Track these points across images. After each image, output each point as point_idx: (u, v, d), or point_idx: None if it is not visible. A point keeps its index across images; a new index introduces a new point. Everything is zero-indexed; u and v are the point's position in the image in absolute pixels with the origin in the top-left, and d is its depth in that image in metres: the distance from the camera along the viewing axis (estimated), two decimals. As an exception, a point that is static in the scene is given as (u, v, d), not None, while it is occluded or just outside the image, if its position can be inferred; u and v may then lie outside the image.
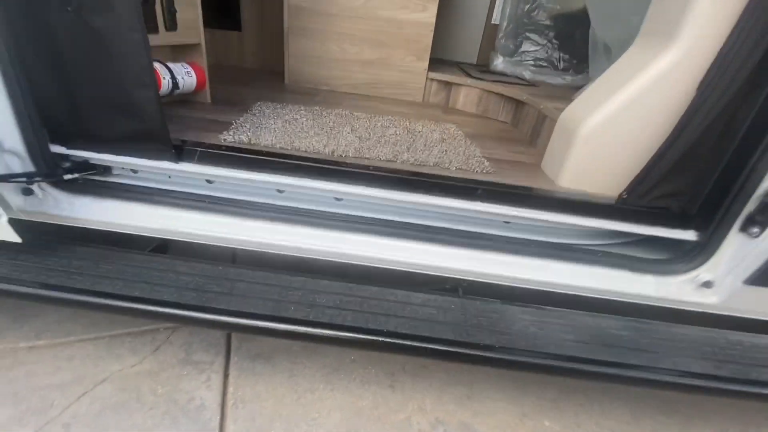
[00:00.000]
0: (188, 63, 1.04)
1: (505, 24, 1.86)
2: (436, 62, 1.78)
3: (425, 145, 0.98)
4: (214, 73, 1.17)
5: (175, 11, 0.92)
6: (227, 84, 1.43)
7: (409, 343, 0.64)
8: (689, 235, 0.75)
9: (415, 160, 0.86)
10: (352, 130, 1.02)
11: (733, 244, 0.70)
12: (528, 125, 1.24)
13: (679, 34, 0.67)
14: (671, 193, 0.76)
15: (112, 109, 0.71)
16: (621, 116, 0.74)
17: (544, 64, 1.80)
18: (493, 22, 2.31)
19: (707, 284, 0.74)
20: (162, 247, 0.81)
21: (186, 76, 1.00)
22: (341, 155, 0.85)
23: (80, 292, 0.66)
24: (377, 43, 1.53)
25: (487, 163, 0.90)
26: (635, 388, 0.90)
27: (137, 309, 0.66)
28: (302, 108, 1.19)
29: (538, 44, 1.82)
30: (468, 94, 1.57)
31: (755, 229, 0.67)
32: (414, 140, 1.01)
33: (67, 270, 0.70)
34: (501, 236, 0.78)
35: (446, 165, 0.86)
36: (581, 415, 0.92)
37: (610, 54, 1.23)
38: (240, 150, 0.78)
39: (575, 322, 0.71)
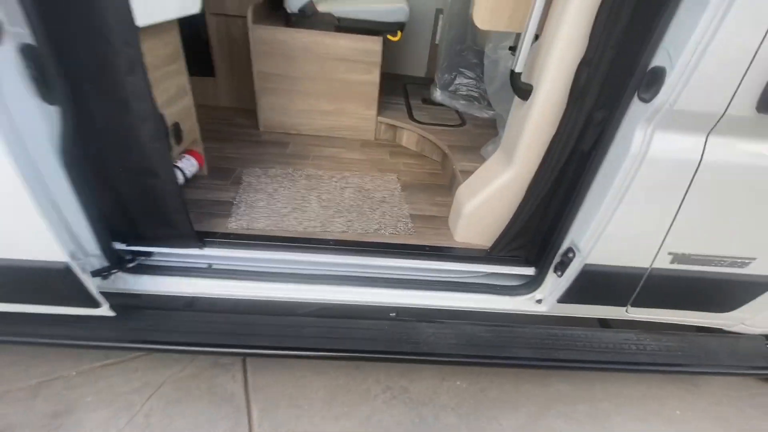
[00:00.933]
0: (189, 154, 1.39)
1: (442, 59, 2.21)
2: (389, 77, 2.12)
3: (371, 208, 1.41)
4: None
5: (181, 129, 1.27)
6: (214, 140, 1.76)
7: (358, 354, 1.11)
8: (530, 271, 1.24)
9: (363, 229, 1.29)
10: (317, 198, 1.43)
11: (550, 280, 1.19)
12: (449, 174, 1.67)
13: (514, 160, 1.11)
14: (518, 246, 1.23)
15: (150, 216, 1.09)
16: (485, 204, 1.19)
17: (474, 97, 2.19)
18: (437, 42, 2.65)
19: (539, 301, 1.23)
20: (190, 304, 1.22)
21: (191, 167, 1.36)
22: (312, 230, 1.27)
23: (149, 342, 1.08)
24: (334, 97, 1.87)
25: (410, 225, 1.34)
26: (496, 368, 1.43)
27: (181, 350, 1.09)
28: (279, 174, 1.57)
29: (469, 79, 2.20)
30: (409, 135, 1.97)
31: (559, 272, 1.15)
32: (363, 203, 1.44)
33: (137, 328, 1.11)
34: (417, 279, 1.24)
35: (383, 231, 1.30)
36: (480, 375, 1.45)
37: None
38: (242, 237, 1.19)
39: (460, 330, 1.20)
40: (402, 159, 1.87)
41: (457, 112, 2.16)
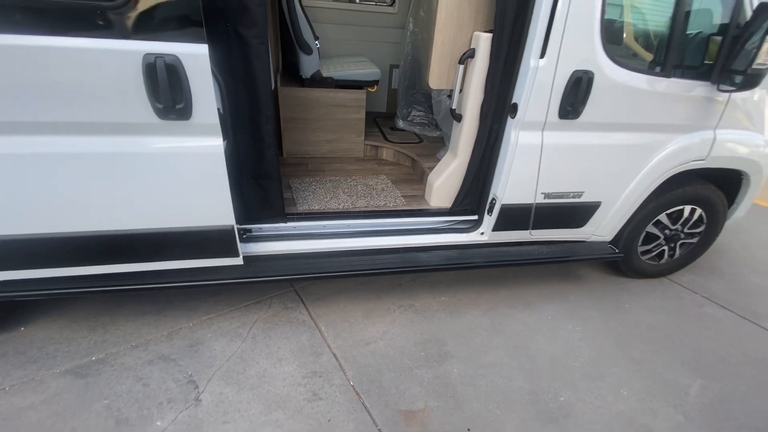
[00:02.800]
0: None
1: (400, 99, 3.18)
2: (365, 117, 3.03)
3: (377, 194, 2.27)
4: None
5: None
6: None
7: (384, 271, 1.93)
8: (475, 217, 2.15)
9: (376, 205, 2.14)
10: (342, 191, 2.26)
11: (486, 219, 2.10)
12: (419, 172, 2.59)
13: (457, 154, 2.05)
14: (467, 203, 2.14)
15: (260, 204, 1.85)
16: (446, 181, 2.11)
17: (425, 124, 3.17)
18: (393, 86, 3.66)
19: (482, 233, 2.14)
20: (284, 257, 1.97)
21: (262, 178, 2.13)
22: (348, 207, 2.10)
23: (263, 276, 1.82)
24: (334, 130, 2.75)
25: (403, 201, 2.22)
26: (465, 277, 2.32)
27: (278, 279, 1.85)
28: (312, 181, 2.38)
29: (420, 112, 3.19)
30: (387, 151, 2.88)
31: (490, 214, 2.07)
32: (371, 192, 2.29)
33: (257, 269, 1.85)
34: (411, 229, 2.09)
35: (388, 205, 2.16)
36: (456, 291, 2.32)
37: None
38: (307, 213, 1.99)
39: (441, 254, 2.06)
40: (385, 167, 2.76)
41: (415, 134, 3.13)
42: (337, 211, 2.07)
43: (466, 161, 2.05)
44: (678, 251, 2.51)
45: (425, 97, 3.17)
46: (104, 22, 1.22)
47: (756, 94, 2.06)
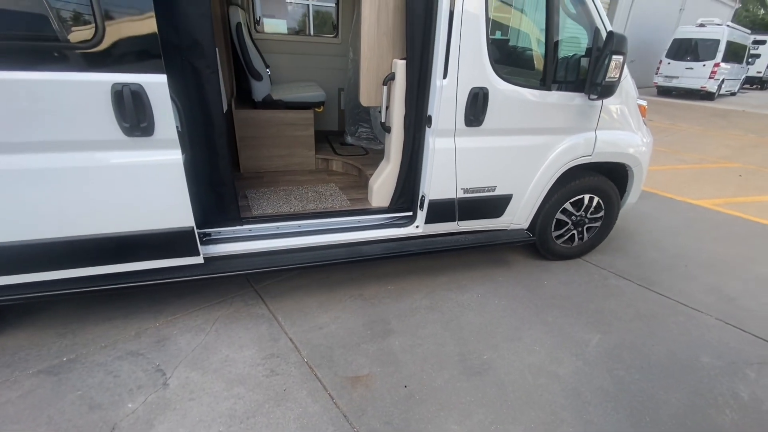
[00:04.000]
0: (217, 183, 2.44)
1: (347, 118, 3.57)
2: (317, 133, 3.35)
3: (326, 199, 2.58)
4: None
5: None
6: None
7: (333, 262, 2.23)
8: (410, 213, 2.51)
9: (324, 207, 2.46)
10: (294, 198, 2.56)
11: (419, 214, 2.46)
12: (364, 179, 2.94)
13: (390, 160, 2.41)
14: (402, 201, 2.50)
15: (216, 209, 2.12)
16: (383, 183, 2.46)
17: (370, 138, 3.55)
18: (341, 108, 4.05)
19: (417, 227, 2.49)
20: (239, 255, 2.23)
21: (220, 189, 2.40)
22: (299, 210, 2.39)
23: (221, 272, 2.07)
24: (286, 146, 3.07)
25: (348, 203, 2.55)
26: (402, 257, 2.66)
27: (237, 274, 2.10)
28: (267, 191, 2.67)
29: (365, 128, 3.58)
30: (336, 163, 3.22)
31: (421, 209, 2.43)
32: (320, 197, 2.61)
33: (215, 266, 2.09)
34: (355, 226, 2.41)
35: (335, 207, 2.48)
36: (402, 281, 2.64)
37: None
38: (262, 216, 2.27)
39: (382, 246, 2.39)
40: (335, 176, 3.10)
41: (362, 147, 3.50)
42: (289, 213, 2.37)
43: (398, 165, 2.41)
44: (586, 235, 2.98)
45: (369, 115, 3.57)
46: (78, 58, 1.50)
47: (629, 100, 2.59)
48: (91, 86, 1.52)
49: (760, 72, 19.13)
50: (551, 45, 2.21)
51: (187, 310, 2.31)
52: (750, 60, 16.58)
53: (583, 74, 2.36)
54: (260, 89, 2.85)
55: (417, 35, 2.05)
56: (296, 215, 2.35)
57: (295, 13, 4.07)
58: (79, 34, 1.47)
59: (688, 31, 14.01)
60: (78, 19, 1.46)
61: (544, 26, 2.20)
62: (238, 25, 2.59)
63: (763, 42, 18.39)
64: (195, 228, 1.92)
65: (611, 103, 2.52)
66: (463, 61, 2.05)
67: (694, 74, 13.77)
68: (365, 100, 2.32)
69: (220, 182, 2.06)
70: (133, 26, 1.51)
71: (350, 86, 3.43)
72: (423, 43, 2.07)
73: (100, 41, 1.49)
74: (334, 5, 3.80)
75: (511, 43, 2.30)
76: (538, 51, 2.31)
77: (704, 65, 13.56)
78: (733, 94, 16.24)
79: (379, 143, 3.49)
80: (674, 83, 14.26)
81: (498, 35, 2.18)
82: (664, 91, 14.87)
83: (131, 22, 1.51)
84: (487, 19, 2.02)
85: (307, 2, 4.10)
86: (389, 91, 2.28)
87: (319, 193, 2.69)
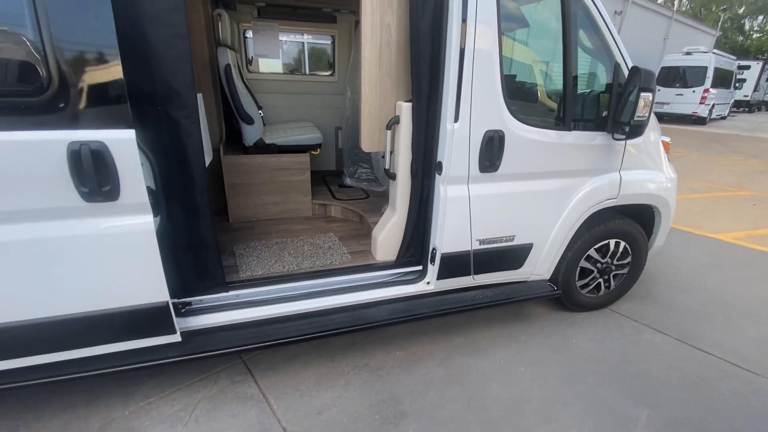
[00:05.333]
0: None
1: (346, 158, 3.35)
2: (313, 173, 3.08)
3: (324, 253, 2.30)
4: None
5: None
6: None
7: (334, 332, 1.92)
8: (419, 267, 2.22)
9: (322, 264, 2.17)
10: (288, 253, 2.28)
11: (430, 269, 2.18)
12: (366, 227, 2.67)
13: (396, 209, 2.16)
14: (411, 255, 2.22)
15: (198, 274, 1.83)
16: (388, 235, 2.19)
17: (371, 179, 3.32)
18: (339, 147, 3.84)
19: (428, 283, 2.20)
20: (224, 328, 1.91)
21: (204, 248, 2.11)
22: (293, 269, 2.10)
23: (202, 352, 1.75)
24: (281, 192, 2.81)
25: (349, 257, 2.26)
26: (413, 322, 2.33)
27: (220, 353, 1.78)
28: (258, 246, 2.39)
29: (365, 169, 3.35)
30: (335, 209, 2.96)
31: (432, 263, 2.15)
32: (317, 251, 2.33)
33: (195, 345, 1.77)
34: (358, 285, 2.12)
35: (334, 263, 2.20)
36: (410, 344, 2.31)
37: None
38: (251, 279, 1.97)
39: (389, 308, 2.09)
40: (334, 224, 2.83)
41: (363, 189, 3.26)
42: (281, 274, 2.08)
43: (405, 215, 2.16)
44: (613, 282, 2.69)
45: (368, 156, 3.36)
46: (26, 113, 1.25)
47: (651, 137, 2.38)
48: (42, 147, 1.27)
49: (747, 96, 19.56)
50: (569, 81, 2.01)
51: (163, 392, 1.96)
52: (737, 85, 16.98)
53: (604, 112, 2.16)
54: (251, 133, 2.63)
55: (423, 75, 1.85)
56: (290, 276, 2.06)
57: (289, 52, 3.95)
58: (27, 83, 1.24)
59: (676, 59, 14.35)
60: (24, 66, 1.22)
61: (561, 62, 2.01)
62: (227, 67, 2.41)
63: (747, 67, 18.92)
64: (170, 302, 1.62)
65: (635, 141, 2.30)
66: (477, 103, 1.84)
67: (684, 100, 13.99)
68: (367, 145, 2.09)
69: (202, 245, 1.78)
70: (93, 73, 1.28)
71: (348, 126, 3.24)
72: (430, 84, 1.87)
73: (54, 92, 1.25)
74: (329, 43, 3.67)
75: (525, 81, 2.11)
76: (555, 88, 2.12)
77: (694, 91, 13.80)
78: (723, 117, 16.48)
79: (380, 185, 3.25)
80: (665, 109, 14.45)
81: (511, 73, 1.98)
82: (656, 117, 15.02)
83: (91, 67, 1.27)
84: (501, 56, 1.83)
85: (301, 40, 3.99)
86: (393, 135, 2.06)
87: (316, 246, 2.41)
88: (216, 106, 2.74)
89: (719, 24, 27.60)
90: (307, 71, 3.99)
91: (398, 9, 1.87)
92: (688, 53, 14.08)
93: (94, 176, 1.32)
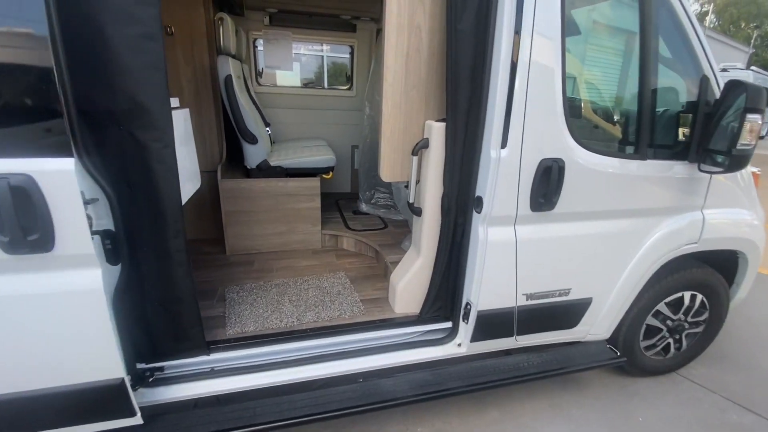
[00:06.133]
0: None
1: (362, 182, 2.97)
2: (325, 196, 2.68)
3: (332, 300, 1.90)
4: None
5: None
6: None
7: (340, 413, 1.50)
8: (448, 324, 1.79)
9: (328, 316, 1.76)
10: (289, 300, 1.89)
11: (462, 328, 1.74)
12: (383, 266, 2.26)
13: (421, 252, 1.74)
14: (438, 308, 1.79)
15: (172, 334, 1.45)
16: (410, 283, 1.78)
17: (389, 206, 2.93)
18: (355, 167, 3.47)
19: (459, 345, 1.77)
20: (202, 403, 1.52)
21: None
22: (292, 324, 1.70)
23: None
24: (286, 221, 2.44)
25: (362, 307, 1.85)
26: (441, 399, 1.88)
27: None
28: (254, 288, 2.01)
29: (383, 194, 2.96)
30: (348, 240, 2.57)
31: (466, 321, 1.72)
32: (324, 297, 1.93)
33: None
34: (371, 347, 1.70)
35: (343, 315, 1.79)
36: (435, 418, 1.86)
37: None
38: (239, 339, 1.58)
39: (410, 378, 1.66)
40: (346, 259, 2.43)
41: (380, 218, 2.86)
42: (277, 331, 1.68)
43: (432, 260, 1.74)
44: (684, 342, 2.18)
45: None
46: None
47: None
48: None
49: (787, 115, 18.50)
50: (646, 98, 1.59)
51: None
52: (777, 103, 16.04)
53: (684, 136, 1.72)
54: (254, 154, 2.29)
55: (462, 90, 1.46)
56: (287, 334, 1.66)
57: (305, 64, 3.65)
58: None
59: (711, 76, 13.65)
60: None
61: (635, 74, 1.59)
62: (228, 78, 2.09)
63: (786, 85, 17.95)
64: (126, 378, 1.24)
65: (720, 174, 1.84)
66: (531, 126, 1.43)
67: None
68: (387, 174, 1.70)
69: (177, 299, 1.40)
70: (12, 80, 0.93)
71: (366, 146, 2.87)
72: (470, 101, 1.47)
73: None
74: (348, 55, 3.35)
75: (590, 98, 1.70)
76: (627, 107, 1.70)
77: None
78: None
79: (400, 213, 2.85)
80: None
81: (574, 89, 1.57)
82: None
83: (8, 71, 0.93)
84: (564, 70, 1.42)
85: (317, 51, 3.69)
86: (420, 162, 1.67)
87: (322, 291, 2.01)
88: (216, 122, 2.42)
89: (751, 41, 26.57)
90: (326, 86, 3.66)
91: (432, 6, 1.50)
92: (724, 70, 13.37)
93: (15, 221, 0.96)
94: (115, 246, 1.24)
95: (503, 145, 1.43)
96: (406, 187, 1.79)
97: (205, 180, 2.49)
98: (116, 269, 1.26)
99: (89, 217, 1.17)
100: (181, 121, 1.50)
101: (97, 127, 1.15)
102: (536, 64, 1.38)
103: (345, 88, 3.46)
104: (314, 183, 2.42)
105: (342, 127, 3.39)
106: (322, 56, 3.82)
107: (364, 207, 2.92)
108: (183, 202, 1.59)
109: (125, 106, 1.15)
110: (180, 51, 2.23)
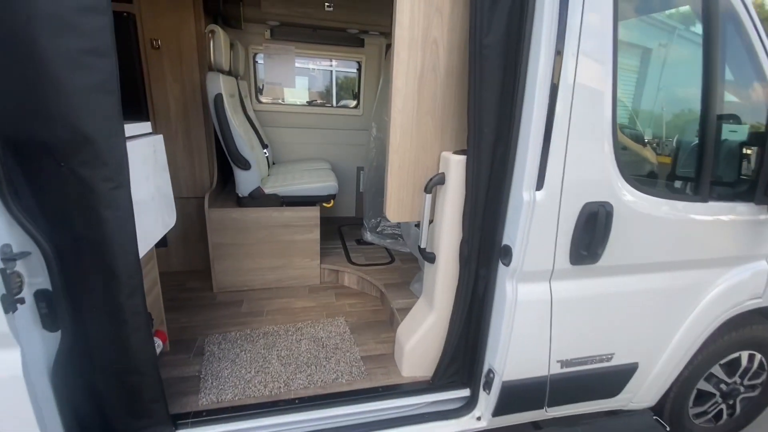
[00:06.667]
0: (155, 336, 1.53)
1: (367, 208, 2.71)
2: (326, 221, 2.40)
3: (326, 358, 1.62)
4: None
5: (152, 319, 1.44)
6: (172, 310, 1.90)
7: None
8: (466, 392, 1.49)
9: (322, 381, 1.49)
10: (278, 357, 1.61)
11: (482, 398, 1.45)
12: (388, 311, 1.98)
13: (434, 305, 1.46)
14: (454, 372, 1.50)
15: (128, 410, 1.18)
16: (421, 342, 1.50)
17: (397, 235, 2.66)
18: (360, 190, 3.22)
19: (479, 418, 1.47)
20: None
21: (157, 349, 1.48)
22: (278, 390, 1.43)
23: None
24: (281, 254, 2.19)
25: (363, 367, 1.57)
26: None
27: None
28: (238, 337, 1.74)
29: (391, 223, 2.70)
30: (350, 277, 2.30)
31: (487, 391, 1.42)
32: (319, 351, 1.65)
33: None
34: (373, 421, 1.41)
35: (340, 380, 1.51)
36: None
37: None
38: (212, 412, 1.31)
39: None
40: (346, 300, 2.15)
41: (386, 249, 2.59)
42: (260, 401, 1.40)
43: (447, 315, 1.46)
44: (738, 407, 1.86)
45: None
46: None
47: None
48: None
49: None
50: (710, 129, 1.32)
51: None
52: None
53: (746, 172, 1.44)
54: (246, 181, 2.05)
55: (488, 117, 1.20)
56: (272, 406, 1.37)
57: (309, 80, 3.44)
58: None
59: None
60: None
61: (696, 99, 1.32)
62: (218, 97, 1.86)
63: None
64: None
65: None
66: (573, 163, 1.16)
67: None
68: (394, 213, 1.43)
69: (133, 370, 1.13)
70: None
71: (372, 169, 2.62)
72: (498, 131, 1.21)
73: None
74: (355, 71, 3.14)
75: (643, 129, 1.44)
76: (687, 138, 1.43)
77: None
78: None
79: (404, 245, 2.58)
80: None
81: (623, 117, 1.31)
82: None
83: None
84: (615, 96, 1.16)
85: (324, 67, 3.48)
86: (434, 201, 1.41)
87: (318, 343, 1.73)
88: (207, 144, 2.19)
89: None
90: (335, 104, 3.44)
91: (451, 17, 1.25)
92: None
93: None
94: (53, 309, 0.99)
95: (539, 185, 1.17)
96: (417, 226, 1.52)
97: (193, 206, 2.25)
98: (55, 336, 1.01)
99: (19, 276, 0.93)
100: (150, 151, 1.26)
101: (28, 163, 0.91)
102: (582, 88, 1.12)
103: (351, 106, 3.24)
104: (313, 212, 2.17)
105: (347, 147, 3.15)
106: (331, 71, 3.62)
107: (368, 236, 2.65)
108: (152, 244, 1.35)
109: (65, 136, 0.91)
110: (167, 66, 2.02)
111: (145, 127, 1.29)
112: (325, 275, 2.33)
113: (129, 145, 1.02)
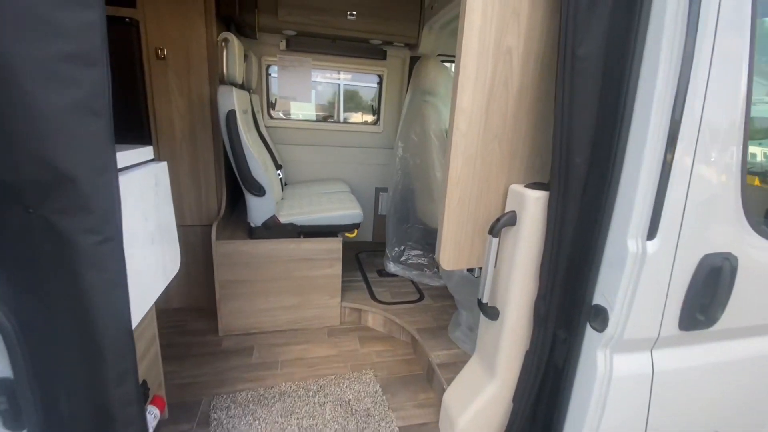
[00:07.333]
0: (151, 404, 1.25)
1: (390, 236, 2.45)
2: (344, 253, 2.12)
3: (357, 429, 1.33)
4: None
5: (148, 387, 1.16)
6: (172, 360, 1.62)
7: None
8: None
9: (355, 464, 1.20)
10: (299, 428, 1.33)
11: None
12: (424, 362, 1.70)
13: (496, 372, 1.19)
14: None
15: None
16: (477, 417, 1.21)
17: (423, 265, 2.39)
18: (380, 213, 2.97)
19: None
20: None
21: (153, 421, 1.20)
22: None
23: None
24: (296, 292, 1.91)
25: (402, 442, 1.29)
26: None
27: None
28: (250, 400, 1.45)
29: (416, 250, 2.44)
30: (374, 317, 2.02)
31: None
32: (347, 422, 1.36)
33: None
34: None
35: (377, 460, 1.22)
36: None
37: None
38: None
39: None
40: (372, 346, 1.87)
41: (412, 282, 2.32)
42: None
43: (512, 385, 1.18)
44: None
45: (422, 233, 2.45)
46: None
47: None
48: None
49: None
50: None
51: None
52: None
53: None
54: (260, 209, 1.79)
55: (581, 146, 0.95)
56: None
57: (324, 94, 3.22)
58: None
59: None
60: None
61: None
62: (230, 114, 1.62)
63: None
64: None
65: None
66: (694, 208, 0.91)
67: None
68: (449, 259, 1.17)
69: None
70: None
71: (397, 193, 2.38)
72: (593, 162, 0.96)
73: None
74: (376, 85, 2.91)
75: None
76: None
77: None
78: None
79: (437, 276, 2.31)
80: None
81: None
82: None
83: None
84: (747, 124, 0.91)
85: (340, 81, 3.26)
86: (501, 245, 1.15)
87: (345, 408, 1.45)
88: (216, 166, 1.95)
89: None
90: (347, 119, 3.21)
91: (529, 21, 1.02)
92: None
93: None
94: (15, 403, 0.72)
95: (651, 234, 0.91)
96: (476, 275, 1.25)
97: (197, 235, 1.99)
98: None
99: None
100: (151, 184, 1.01)
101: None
102: (713, 112, 0.87)
103: (370, 122, 3.01)
104: (335, 245, 1.90)
105: (365, 167, 2.91)
106: (340, 83, 3.40)
107: (392, 267, 2.38)
108: (152, 303, 1.08)
109: (35, 174, 0.65)
110: (173, 79, 1.78)
111: (146, 153, 1.04)
112: (346, 314, 2.06)
113: (123, 178, 0.78)
